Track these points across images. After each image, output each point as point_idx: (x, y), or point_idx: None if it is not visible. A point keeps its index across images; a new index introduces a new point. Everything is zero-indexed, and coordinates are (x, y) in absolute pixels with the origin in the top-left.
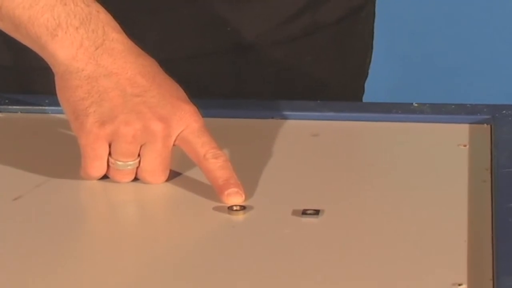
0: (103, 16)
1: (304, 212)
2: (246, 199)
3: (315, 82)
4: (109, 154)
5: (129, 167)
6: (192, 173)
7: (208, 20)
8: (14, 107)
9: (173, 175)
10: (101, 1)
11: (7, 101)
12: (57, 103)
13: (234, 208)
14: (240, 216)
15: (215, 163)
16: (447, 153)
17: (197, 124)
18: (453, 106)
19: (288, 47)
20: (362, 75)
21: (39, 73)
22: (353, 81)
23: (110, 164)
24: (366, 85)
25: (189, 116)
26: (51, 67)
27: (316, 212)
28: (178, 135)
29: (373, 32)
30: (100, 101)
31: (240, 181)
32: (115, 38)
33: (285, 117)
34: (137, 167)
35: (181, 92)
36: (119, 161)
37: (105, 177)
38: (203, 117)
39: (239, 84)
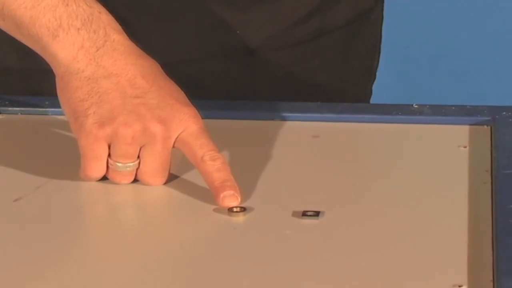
0: (105, 17)
1: (305, 214)
2: (246, 200)
3: (323, 85)
4: (109, 155)
5: (128, 168)
6: (192, 175)
7: (216, 23)
8: (14, 108)
9: (173, 177)
10: (108, 3)
11: (7, 102)
12: (57, 104)
13: (235, 209)
14: (240, 218)
15: (212, 165)
16: (447, 154)
17: (196, 126)
18: (453, 108)
19: (296, 50)
20: (370, 78)
21: (45, 75)
22: (361, 84)
23: (109, 165)
24: None
25: (188, 118)
26: (52, 67)
27: (317, 214)
28: (177, 137)
29: (381, 35)
30: (99, 102)
31: (237, 184)
32: (116, 39)
33: (286, 119)
34: (137, 169)
35: (182, 94)
36: (119, 162)
37: (105, 178)
38: (204, 118)
39: (246, 87)
